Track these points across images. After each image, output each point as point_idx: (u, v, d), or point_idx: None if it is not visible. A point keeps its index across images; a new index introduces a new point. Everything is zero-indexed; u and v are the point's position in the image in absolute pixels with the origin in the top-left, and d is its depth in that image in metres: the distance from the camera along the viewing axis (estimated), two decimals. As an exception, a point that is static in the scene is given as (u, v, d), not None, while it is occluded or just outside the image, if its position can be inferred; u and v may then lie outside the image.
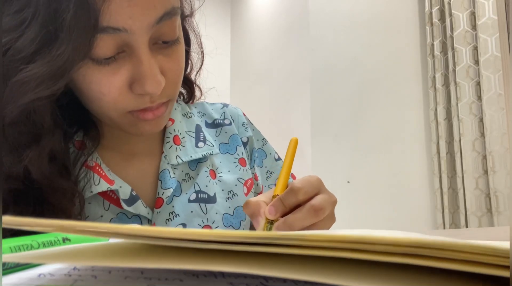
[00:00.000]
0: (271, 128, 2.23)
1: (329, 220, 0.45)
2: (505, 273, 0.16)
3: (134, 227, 0.19)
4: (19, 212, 0.44)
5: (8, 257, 0.20)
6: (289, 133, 2.16)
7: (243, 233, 0.18)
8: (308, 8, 2.08)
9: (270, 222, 0.42)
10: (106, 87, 0.44)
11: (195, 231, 0.19)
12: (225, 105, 0.70)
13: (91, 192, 0.50)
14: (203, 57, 0.63)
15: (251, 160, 0.67)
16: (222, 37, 3.11)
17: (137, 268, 0.21)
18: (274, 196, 0.44)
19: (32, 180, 0.45)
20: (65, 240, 0.29)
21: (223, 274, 0.21)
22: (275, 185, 0.68)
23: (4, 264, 0.24)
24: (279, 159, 0.71)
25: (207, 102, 0.70)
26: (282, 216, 0.42)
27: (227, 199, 0.60)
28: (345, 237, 0.17)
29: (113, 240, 0.38)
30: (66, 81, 0.42)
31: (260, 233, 0.18)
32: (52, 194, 0.45)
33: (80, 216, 0.49)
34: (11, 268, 0.24)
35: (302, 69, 2.11)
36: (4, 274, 0.21)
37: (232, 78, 3.09)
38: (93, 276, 0.21)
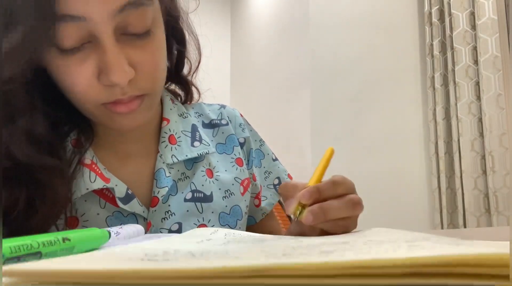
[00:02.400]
0: (271, 128, 2.23)
1: (353, 224, 0.45)
2: (506, 283, 0.16)
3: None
4: (12, 193, 0.44)
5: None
6: (289, 133, 2.16)
7: (231, 268, 0.17)
8: (308, 8, 2.09)
9: (302, 206, 0.42)
10: (75, 78, 0.45)
11: (184, 270, 0.18)
12: (223, 106, 0.71)
13: (87, 189, 0.50)
14: (200, 57, 0.63)
15: (248, 160, 0.67)
16: (222, 37, 3.12)
17: None
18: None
19: (17, 158, 0.45)
20: (65, 240, 0.30)
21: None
22: (273, 185, 0.69)
23: (4, 262, 0.25)
24: (276, 159, 0.71)
25: (204, 103, 0.70)
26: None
27: (224, 198, 0.60)
28: (341, 265, 0.17)
29: (109, 246, 0.38)
30: (31, 64, 0.43)
31: (251, 265, 0.17)
32: (41, 172, 0.46)
33: (69, 193, 0.50)
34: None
35: (302, 69, 2.11)
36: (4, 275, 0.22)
37: (232, 78, 3.10)
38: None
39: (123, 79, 0.45)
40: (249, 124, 0.71)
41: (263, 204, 0.67)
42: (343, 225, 0.42)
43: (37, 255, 0.27)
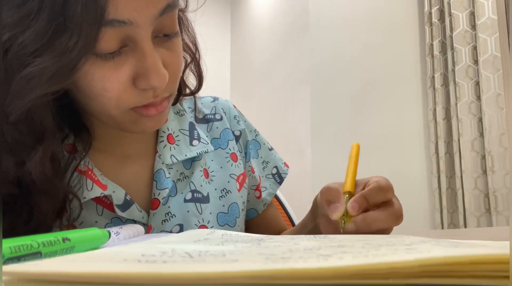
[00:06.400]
0: (271, 128, 2.23)
1: (390, 232, 0.45)
2: (505, 282, 0.16)
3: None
4: (10, 222, 0.43)
5: None
6: (289, 133, 2.16)
7: (242, 273, 0.17)
8: (308, 8, 2.08)
9: (346, 215, 0.42)
10: (109, 83, 0.43)
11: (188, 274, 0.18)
12: (216, 99, 0.70)
13: (84, 198, 0.49)
14: (199, 55, 0.61)
15: (246, 153, 0.67)
16: (222, 37, 3.11)
17: None
18: (345, 192, 0.45)
19: (25, 184, 0.43)
20: (65, 240, 0.30)
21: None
22: (271, 174, 0.69)
23: (4, 262, 0.24)
24: (272, 149, 0.72)
25: (196, 97, 0.68)
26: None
27: (220, 198, 0.60)
28: (346, 271, 0.17)
29: (109, 246, 0.38)
30: (75, 75, 0.41)
31: (256, 271, 0.17)
32: (44, 199, 0.44)
33: (76, 220, 0.48)
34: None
35: (302, 69, 2.11)
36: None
37: (232, 79, 3.10)
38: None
39: (163, 82, 0.44)
40: (243, 115, 0.71)
41: (263, 194, 0.68)
42: (381, 233, 0.42)
43: (37, 255, 0.27)
